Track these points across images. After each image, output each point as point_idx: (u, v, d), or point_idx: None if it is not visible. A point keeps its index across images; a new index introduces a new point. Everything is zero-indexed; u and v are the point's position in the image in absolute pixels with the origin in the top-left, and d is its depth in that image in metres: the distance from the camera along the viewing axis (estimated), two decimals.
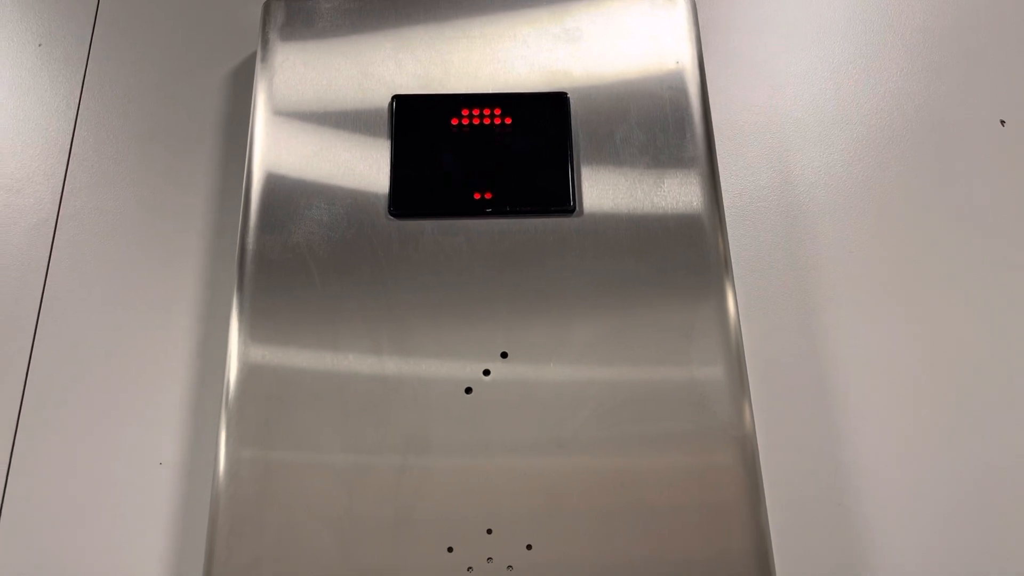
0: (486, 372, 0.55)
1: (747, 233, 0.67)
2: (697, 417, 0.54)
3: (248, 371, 0.55)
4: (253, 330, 0.56)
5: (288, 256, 0.58)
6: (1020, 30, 0.74)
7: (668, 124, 0.63)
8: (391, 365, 0.55)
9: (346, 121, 0.63)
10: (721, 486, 0.53)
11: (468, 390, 0.55)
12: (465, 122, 0.62)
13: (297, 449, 0.53)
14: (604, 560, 0.51)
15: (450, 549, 0.51)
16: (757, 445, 0.54)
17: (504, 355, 0.56)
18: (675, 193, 0.60)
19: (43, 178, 0.68)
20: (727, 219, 0.63)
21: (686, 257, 0.59)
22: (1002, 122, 0.70)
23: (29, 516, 0.58)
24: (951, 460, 0.61)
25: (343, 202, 0.60)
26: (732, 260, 0.61)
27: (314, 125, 0.63)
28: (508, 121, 0.62)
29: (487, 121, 0.62)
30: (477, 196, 0.60)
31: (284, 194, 0.60)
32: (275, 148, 0.61)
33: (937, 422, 0.62)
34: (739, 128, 0.70)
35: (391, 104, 0.63)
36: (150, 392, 0.61)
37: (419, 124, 0.62)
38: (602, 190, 0.61)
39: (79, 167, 0.68)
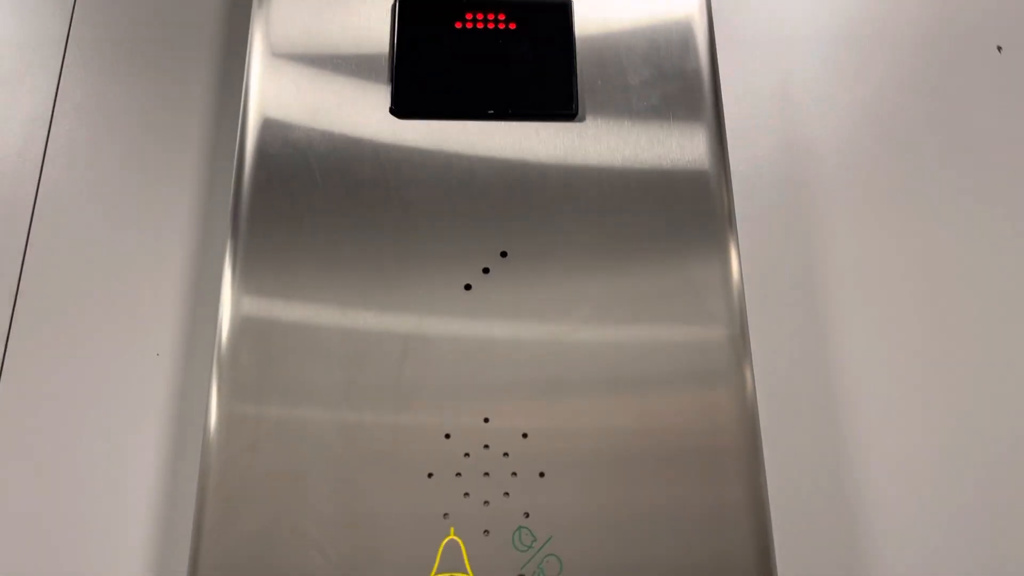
0: (486, 270, 0.56)
1: (746, 148, 0.68)
2: (693, 311, 0.55)
3: (248, 265, 0.55)
4: (253, 226, 0.56)
5: (288, 151, 0.58)
6: None
7: (671, 34, 0.63)
8: (391, 262, 0.56)
9: (350, 22, 0.62)
10: (716, 372, 0.54)
11: (468, 287, 0.55)
12: (469, 26, 0.62)
13: (298, 339, 0.54)
14: (599, 447, 0.52)
15: (447, 436, 0.52)
16: (748, 331, 0.55)
17: (504, 254, 0.56)
18: (677, 100, 0.61)
19: (39, 73, 0.67)
20: (727, 129, 0.63)
21: (686, 162, 0.59)
22: (999, 48, 0.70)
23: (26, 403, 0.58)
24: (960, 416, 0.62)
25: (345, 100, 0.60)
26: (731, 171, 0.61)
27: (318, 25, 0.62)
28: (512, 26, 0.62)
29: (491, 26, 0.62)
30: (480, 98, 0.60)
31: (286, 86, 0.60)
32: (277, 43, 0.61)
33: (943, 377, 0.63)
34: (741, 41, 0.71)
35: (395, 5, 0.62)
36: (147, 282, 0.61)
37: (422, 26, 0.62)
38: (605, 98, 0.61)
39: (75, 61, 0.67)
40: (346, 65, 0.61)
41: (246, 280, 0.54)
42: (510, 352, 0.54)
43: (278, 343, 0.53)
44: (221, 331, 0.53)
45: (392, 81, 0.60)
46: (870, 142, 0.68)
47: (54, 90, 0.66)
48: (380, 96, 0.60)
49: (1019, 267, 0.66)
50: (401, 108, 0.59)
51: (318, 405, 0.52)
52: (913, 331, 0.64)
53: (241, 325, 0.53)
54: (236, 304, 0.54)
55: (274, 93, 0.59)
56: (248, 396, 0.52)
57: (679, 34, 0.63)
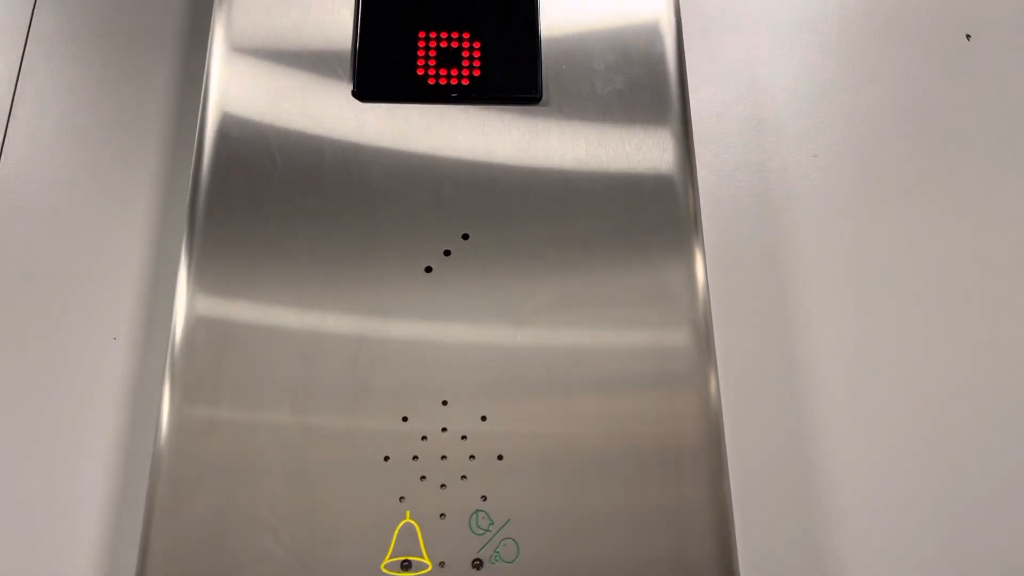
0: (446, 252, 0.55)
1: (712, 133, 0.67)
2: (655, 299, 0.55)
3: (205, 253, 0.54)
4: (210, 214, 0.55)
5: (248, 133, 0.58)
6: None
7: (637, 21, 0.63)
8: (353, 246, 0.55)
9: (312, 12, 0.62)
10: (674, 361, 0.53)
11: (428, 269, 0.55)
12: (432, 10, 0.62)
13: (256, 316, 0.53)
14: (558, 432, 0.51)
15: (405, 419, 0.51)
16: (712, 325, 0.54)
17: (465, 236, 0.56)
18: (643, 86, 0.60)
19: (0, 59, 0.66)
20: (692, 118, 0.63)
21: (650, 148, 0.59)
22: (968, 36, 0.70)
23: None
24: (920, 413, 0.62)
25: (306, 89, 0.59)
26: (696, 157, 0.61)
27: (280, 14, 0.61)
28: (477, 8, 0.62)
29: (456, 9, 0.62)
30: (443, 83, 0.60)
31: (247, 68, 0.59)
32: (238, 34, 0.60)
33: (903, 379, 0.63)
34: (708, 27, 0.70)
35: None
36: (106, 269, 0.60)
37: (386, 9, 0.62)
38: (569, 82, 0.61)
39: (36, 51, 0.67)
40: (308, 55, 0.60)
41: (201, 273, 0.54)
42: (470, 335, 0.54)
43: (239, 324, 0.53)
44: (175, 325, 0.52)
45: (354, 64, 0.60)
46: (837, 130, 0.68)
47: (15, 78, 0.66)
48: (342, 85, 0.59)
49: (988, 257, 0.66)
50: (364, 91, 0.59)
51: (274, 388, 0.51)
52: (879, 331, 0.64)
53: (196, 319, 0.52)
54: (191, 297, 0.53)
55: (235, 84, 0.59)
56: (203, 380, 0.51)
57: (645, 19, 0.63)
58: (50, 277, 0.60)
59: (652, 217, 0.57)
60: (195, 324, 0.52)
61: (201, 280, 0.53)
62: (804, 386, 0.61)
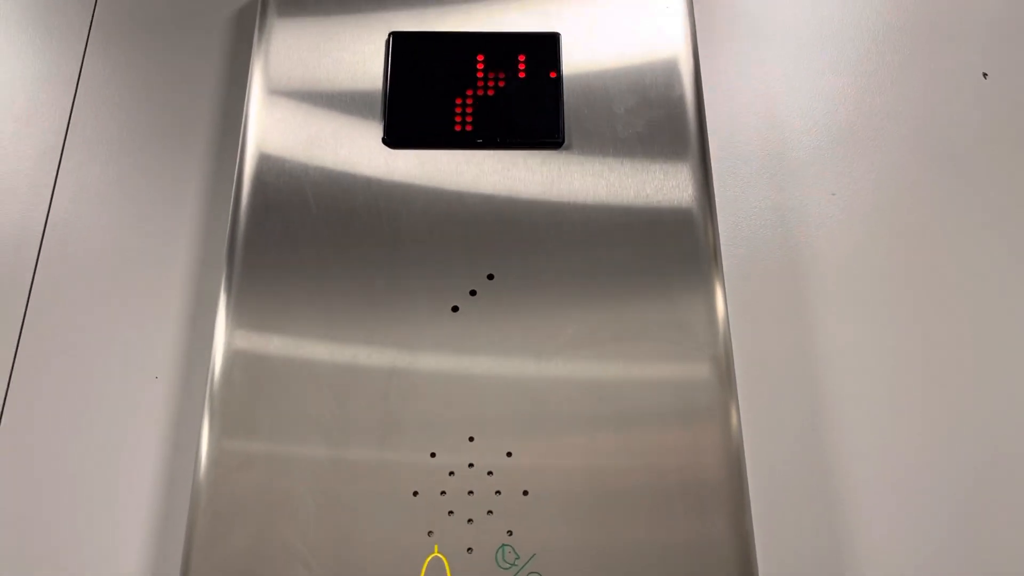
0: (472, 292, 0.57)
1: (731, 171, 0.69)
2: (677, 337, 0.56)
3: (242, 295, 0.57)
4: (249, 249, 0.58)
5: (283, 180, 0.60)
6: None
7: (656, 64, 0.65)
8: (381, 284, 0.57)
9: (345, 55, 0.65)
10: (696, 394, 0.54)
11: (455, 308, 0.57)
12: (459, 58, 0.64)
13: (291, 353, 0.55)
14: (582, 467, 0.53)
15: (433, 455, 0.53)
16: (733, 361, 0.55)
17: (490, 277, 0.58)
18: (662, 127, 0.62)
19: (51, 109, 0.70)
20: (711, 153, 0.64)
21: (671, 188, 0.61)
22: (984, 75, 0.71)
23: (29, 427, 0.60)
24: (941, 446, 0.62)
25: (340, 130, 0.62)
26: (715, 193, 0.62)
27: (314, 60, 0.64)
28: (501, 57, 0.64)
29: (480, 57, 0.64)
30: (469, 128, 0.62)
31: (282, 121, 0.62)
32: (275, 84, 0.63)
33: (923, 410, 0.63)
34: (725, 72, 0.72)
35: (388, 40, 0.65)
36: (149, 312, 0.63)
37: (414, 59, 0.64)
38: (590, 126, 0.63)
39: (86, 98, 0.70)
40: (341, 102, 0.63)
41: (239, 311, 0.56)
42: (496, 373, 0.55)
43: (274, 360, 0.55)
44: (215, 361, 0.54)
45: (384, 113, 0.62)
46: (858, 172, 0.69)
47: (65, 126, 0.69)
48: (373, 129, 0.62)
49: (1010, 296, 0.66)
50: (393, 139, 0.62)
51: (307, 425, 0.53)
52: (902, 362, 0.64)
53: (234, 354, 0.55)
54: (230, 335, 0.55)
55: (271, 127, 0.62)
56: (240, 415, 0.53)
57: (664, 62, 0.65)
58: (95, 318, 0.63)
59: (672, 255, 0.59)
60: (233, 361, 0.55)
61: (239, 318, 0.56)
62: (825, 419, 0.62)
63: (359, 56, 0.65)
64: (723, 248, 0.63)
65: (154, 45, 0.72)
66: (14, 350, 0.62)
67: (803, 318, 0.65)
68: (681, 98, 0.63)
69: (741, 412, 0.56)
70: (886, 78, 0.72)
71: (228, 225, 0.58)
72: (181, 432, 0.60)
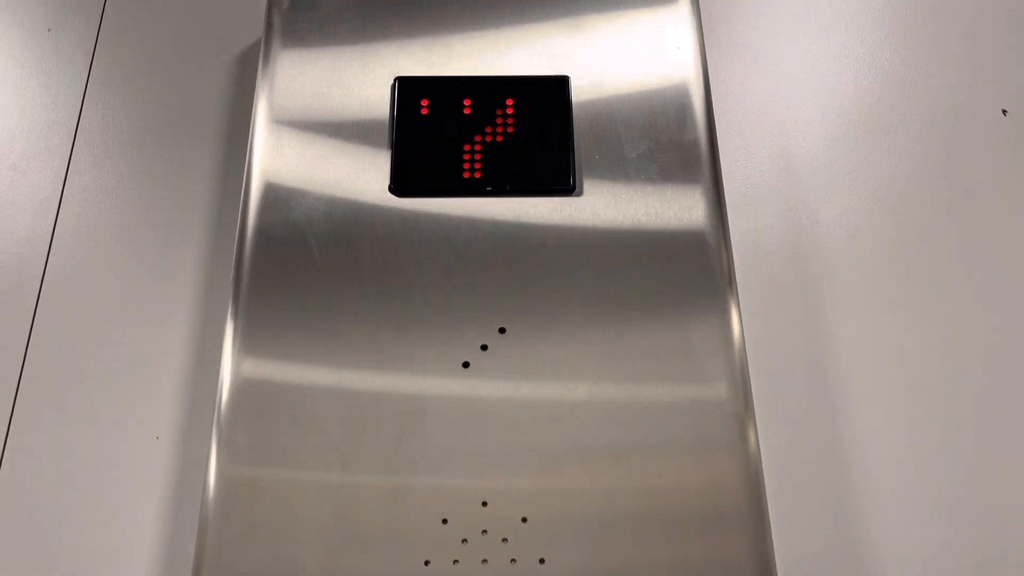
0: (484, 347, 0.55)
1: (747, 220, 0.67)
2: (695, 392, 0.54)
3: (246, 345, 0.55)
4: (252, 306, 0.56)
5: (288, 231, 0.58)
6: (1022, 20, 0.74)
7: (669, 109, 0.63)
8: (389, 340, 0.55)
9: (350, 103, 0.63)
10: (718, 459, 0.52)
11: (466, 364, 0.55)
12: (467, 102, 0.63)
13: (292, 421, 0.53)
14: (602, 531, 0.50)
15: (445, 521, 0.51)
16: (756, 422, 0.53)
17: (502, 331, 0.56)
18: (675, 175, 0.61)
19: (48, 158, 0.68)
20: (727, 204, 0.63)
21: (684, 231, 0.59)
22: (1004, 112, 0.70)
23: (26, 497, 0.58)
24: (956, 464, 0.60)
25: (344, 179, 0.60)
26: (732, 244, 0.61)
27: (318, 107, 0.63)
28: (510, 102, 0.63)
29: (489, 103, 0.63)
30: (478, 176, 0.60)
31: (285, 171, 0.60)
32: (278, 128, 0.62)
33: (940, 431, 0.62)
34: (740, 115, 0.71)
35: (394, 85, 0.63)
36: (149, 368, 0.61)
37: (421, 105, 0.63)
38: (602, 171, 0.61)
39: (84, 148, 0.69)
40: (346, 146, 0.61)
41: (243, 366, 0.54)
42: (509, 433, 0.53)
43: (276, 412, 0.53)
44: (219, 419, 0.52)
45: (391, 160, 0.61)
46: (874, 211, 0.68)
47: (63, 176, 0.68)
48: (379, 175, 0.60)
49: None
50: (400, 187, 0.60)
51: (314, 494, 0.51)
52: (921, 385, 0.63)
53: (241, 392, 0.53)
54: (233, 391, 0.53)
55: (275, 174, 0.60)
56: (241, 487, 0.51)
57: (676, 105, 0.63)
58: (94, 372, 0.61)
59: (690, 311, 0.56)
60: (238, 414, 0.53)
61: (242, 373, 0.54)
62: (843, 436, 0.60)
63: (364, 100, 0.63)
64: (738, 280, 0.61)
65: (153, 91, 0.71)
66: (11, 406, 0.60)
67: (818, 337, 0.63)
68: (695, 142, 0.62)
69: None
70: (903, 117, 0.71)
71: (232, 276, 0.57)
72: (183, 497, 0.58)
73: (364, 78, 0.64)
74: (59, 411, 0.60)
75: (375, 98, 0.63)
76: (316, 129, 0.62)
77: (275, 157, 0.61)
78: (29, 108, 0.70)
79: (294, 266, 0.57)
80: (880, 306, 0.65)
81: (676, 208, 0.60)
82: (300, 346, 0.55)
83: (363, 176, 0.60)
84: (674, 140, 0.62)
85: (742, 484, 0.51)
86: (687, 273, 0.57)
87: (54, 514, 0.57)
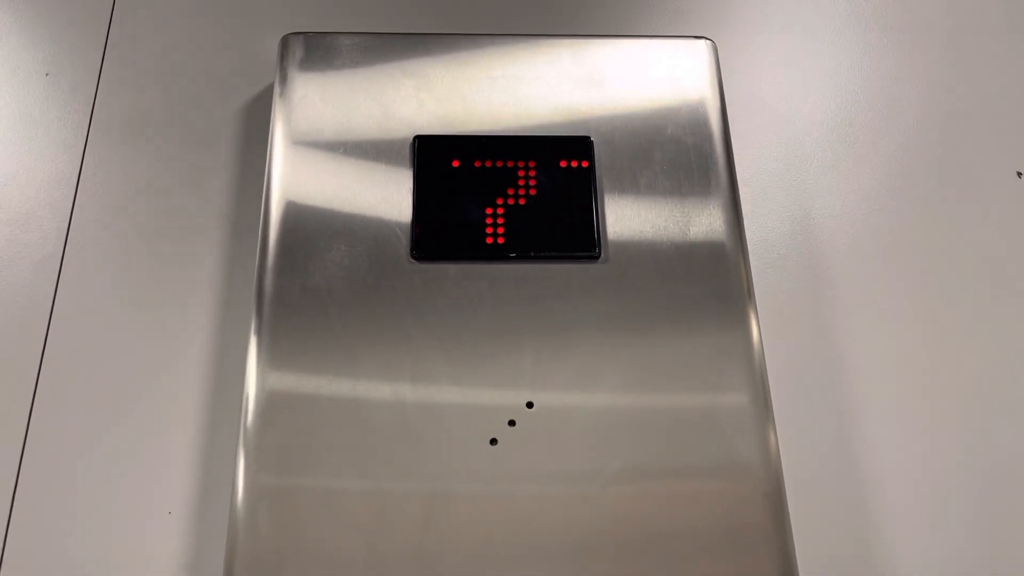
0: (511, 422, 0.54)
1: (769, 273, 0.66)
2: (723, 452, 0.53)
3: (266, 418, 0.53)
4: (271, 375, 0.54)
5: (307, 298, 0.57)
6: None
7: (692, 167, 0.62)
8: (414, 416, 0.54)
9: (367, 160, 0.62)
10: (748, 519, 0.52)
11: (493, 441, 0.54)
12: (488, 164, 0.62)
13: (318, 504, 0.51)
14: None
15: None
16: (783, 476, 0.53)
17: (530, 405, 0.55)
18: (700, 237, 0.60)
19: (49, 212, 0.66)
20: (751, 262, 0.62)
21: (711, 297, 0.58)
22: (1019, 174, 0.70)
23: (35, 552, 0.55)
24: (977, 475, 0.61)
25: (364, 243, 0.59)
26: (757, 302, 0.60)
27: (334, 163, 0.61)
28: (532, 164, 0.62)
29: (510, 164, 0.62)
30: (501, 240, 0.59)
31: (303, 234, 0.59)
32: (293, 185, 0.60)
33: (958, 439, 0.62)
34: (760, 171, 0.70)
35: (413, 144, 0.62)
36: (159, 440, 0.59)
37: (441, 165, 0.61)
38: (627, 235, 0.60)
39: (86, 200, 0.66)
40: (366, 198, 0.60)
41: (260, 452, 0.52)
42: (539, 512, 0.52)
43: (299, 506, 0.51)
44: (236, 502, 0.51)
45: (412, 224, 0.59)
46: (891, 272, 0.68)
47: (65, 229, 0.65)
48: (400, 245, 0.59)
49: None
50: (422, 253, 0.58)
51: (341, 569, 0.50)
52: (939, 399, 0.63)
53: (257, 495, 0.51)
54: (250, 478, 0.51)
55: (288, 236, 0.58)
56: (265, 550, 0.50)
57: (701, 164, 0.62)
58: (101, 439, 0.59)
59: (719, 379, 0.56)
60: (256, 504, 0.51)
61: (259, 461, 0.52)
62: (863, 447, 0.61)
63: (382, 156, 0.61)
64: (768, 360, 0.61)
65: (157, 142, 0.69)
66: (15, 477, 0.58)
67: (831, 345, 0.63)
68: (719, 204, 0.61)
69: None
70: (917, 175, 0.71)
71: (252, 341, 0.55)
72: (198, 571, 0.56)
73: (381, 134, 0.62)
74: (64, 480, 0.58)
75: (393, 153, 0.62)
76: (334, 180, 0.60)
77: (291, 216, 0.59)
78: (27, 158, 0.68)
79: (313, 336, 0.56)
80: (892, 314, 0.65)
81: (702, 269, 0.59)
82: (318, 427, 0.53)
83: (383, 238, 0.59)
84: (698, 202, 0.61)
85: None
86: (719, 345, 0.57)
87: (74, 534, 0.55)
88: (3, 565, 0.55)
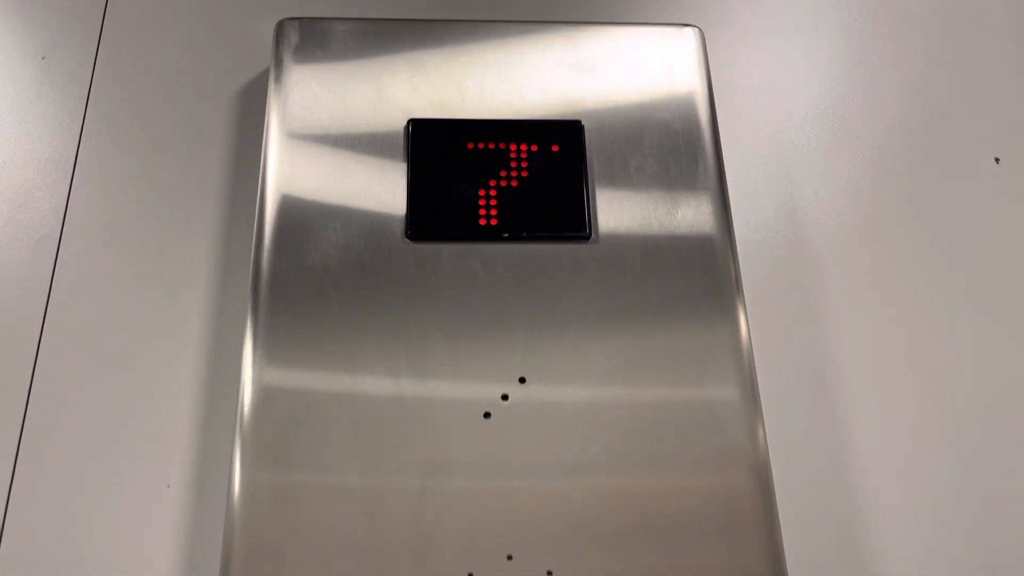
0: (504, 397, 0.56)
1: (756, 260, 0.68)
2: (712, 439, 0.55)
3: (263, 394, 0.54)
4: (268, 354, 0.55)
5: (303, 277, 0.58)
6: (1015, 71, 0.77)
7: (680, 152, 0.64)
8: (409, 390, 0.55)
9: (361, 143, 0.63)
10: (737, 507, 0.53)
11: (487, 415, 0.55)
12: (481, 146, 0.63)
13: (314, 474, 0.53)
14: None
15: (470, 575, 0.51)
16: (770, 465, 0.54)
17: (522, 380, 0.56)
18: (688, 220, 0.61)
19: (47, 192, 0.67)
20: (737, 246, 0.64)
21: (699, 282, 0.60)
22: (996, 159, 0.72)
23: (33, 538, 0.56)
24: (963, 459, 0.63)
25: (359, 224, 0.60)
26: (744, 285, 0.62)
27: (329, 147, 0.62)
28: (524, 147, 0.63)
29: (503, 146, 0.63)
30: (494, 222, 0.61)
31: (299, 216, 0.60)
32: (289, 169, 0.61)
33: (944, 424, 0.64)
34: (747, 157, 0.72)
35: (407, 128, 0.63)
36: (158, 416, 0.60)
37: (435, 148, 0.63)
38: (617, 217, 0.62)
39: (83, 182, 0.67)
40: (361, 180, 0.61)
41: (260, 424, 0.54)
42: (532, 484, 0.53)
43: (297, 489, 0.52)
44: (233, 499, 0.52)
45: (407, 205, 0.60)
46: (877, 263, 0.70)
47: (63, 209, 0.66)
48: (394, 219, 0.60)
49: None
50: (416, 232, 0.60)
51: (336, 544, 0.51)
52: (925, 384, 0.65)
53: (255, 485, 0.52)
54: (248, 475, 0.52)
55: (286, 214, 0.59)
56: (263, 542, 0.51)
57: (689, 148, 0.64)
58: (100, 418, 0.60)
59: (705, 358, 0.57)
60: (255, 490, 0.52)
61: (258, 442, 0.53)
62: (848, 434, 0.63)
63: (377, 141, 0.63)
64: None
65: (153, 125, 0.70)
66: (14, 454, 0.59)
67: (817, 336, 0.65)
68: (707, 187, 0.63)
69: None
70: (902, 164, 0.73)
71: (249, 320, 0.56)
72: (196, 546, 0.57)
73: (376, 118, 0.64)
74: (64, 457, 0.59)
75: (388, 136, 0.63)
76: (329, 163, 0.61)
77: (287, 199, 0.60)
78: (24, 140, 0.68)
79: (309, 315, 0.57)
80: (879, 304, 0.67)
81: (689, 250, 0.60)
82: (317, 404, 0.55)
83: (378, 219, 0.60)
84: (687, 185, 0.63)
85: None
86: (705, 325, 0.58)
87: (70, 542, 0.56)
88: (3, 538, 0.56)
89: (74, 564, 0.56)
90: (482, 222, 0.61)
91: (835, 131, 0.74)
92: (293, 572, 0.50)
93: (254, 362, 0.55)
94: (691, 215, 0.62)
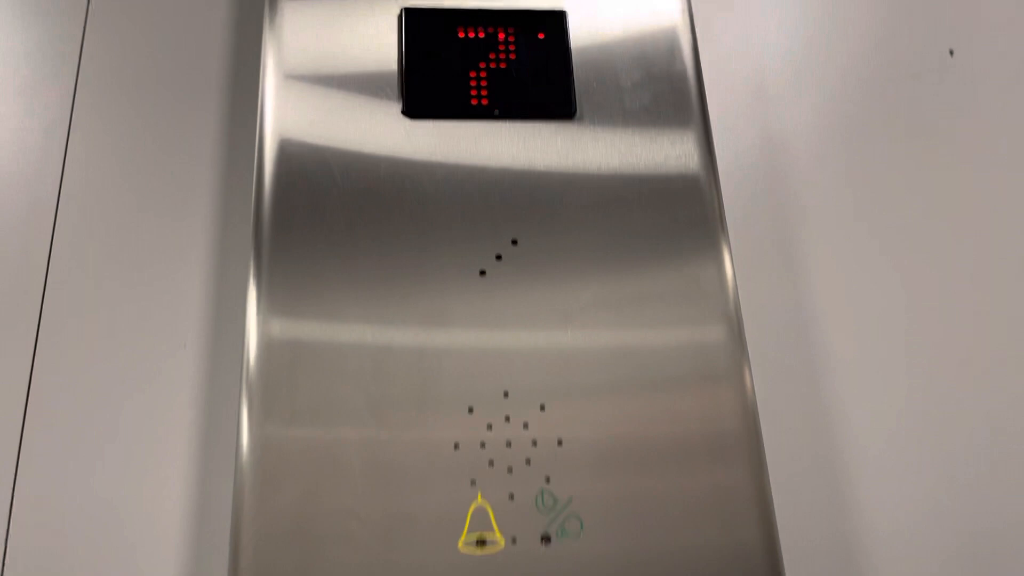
0: (498, 257, 0.60)
1: (728, 146, 0.73)
2: (690, 295, 0.60)
3: (272, 271, 0.58)
4: (276, 231, 0.59)
5: (307, 157, 0.62)
6: None
7: (659, 39, 0.68)
8: (409, 252, 0.60)
9: (358, 32, 0.66)
10: (713, 358, 0.58)
11: (482, 272, 0.59)
12: (471, 34, 0.67)
13: (324, 330, 0.57)
14: (611, 417, 0.56)
15: (471, 410, 0.56)
16: (742, 320, 0.60)
17: (514, 242, 0.61)
18: (667, 100, 0.66)
19: (55, 82, 0.69)
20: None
21: (677, 156, 0.64)
22: (951, 52, 0.77)
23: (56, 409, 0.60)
24: (940, 393, 0.68)
25: (359, 102, 0.64)
26: (718, 165, 0.66)
27: (328, 37, 0.66)
28: (511, 31, 0.67)
29: (491, 30, 0.67)
30: (485, 102, 0.65)
31: (300, 97, 0.63)
32: (289, 58, 0.64)
33: (923, 356, 0.69)
34: (719, 43, 0.76)
35: (400, 15, 0.67)
36: (168, 294, 0.64)
37: (427, 34, 0.66)
38: (600, 98, 0.66)
39: (90, 73, 0.70)
40: (358, 77, 0.65)
41: (271, 292, 0.57)
42: (524, 332, 0.58)
43: (308, 341, 0.57)
44: (249, 345, 0.55)
45: (401, 84, 0.64)
46: (837, 133, 0.75)
47: (70, 101, 0.69)
48: (391, 102, 0.64)
49: (993, 247, 0.73)
50: (411, 109, 0.64)
51: (349, 392, 0.55)
52: (897, 315, 0.70)
53: (268, 339, 0.56)
54: (263, 322, 0.56)
55: (289, 109, 0.63)
56: (279, 391, 0.55)
57: (665, 39, 0.68)
58: (119, 289, 0.64)
59: (681, 218, 0.62)
60: (268, 344, 0.56)
61: (271, 300, 0.57)
62: (827, 370, 0.67)
63: (373, 29, 0.66)
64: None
65: (157, 18, 0.72)
66: (35, 333, 0.62)
67: (800, 276, 0.70)
68: (683, 72, 0.67)
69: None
70: (865, 53, 0.78)
71: (252, 209, 0.59)
72: (213, 402, 0.61)
73: (371, 10, 0.67)
74: (79, 343, 0.62)
75: (383, 32, 0.66)
76: (327, 63, 0.65)
77: (287, 95, 0.63)
78: (30, 33, 0.71)
79: (314, 193, 0.61)
80: (861, 232, 0.72)
81: (668, 136, 0.65)
82: (325, 269, 0.58)
83: (376, 103, 0.64)
84: (664, 71, 0.67)
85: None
86: (679, 203, 0.63)
87: (90, 425, 0.60)
88: (18, 472, 0.60)
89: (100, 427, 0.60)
90: (473, 102, 0.65)
91: (808, 61, 0.78)
92: (309, 406, 0.54)
93: (260, 244, 0.59)
94: (669, 95, 0.66)
